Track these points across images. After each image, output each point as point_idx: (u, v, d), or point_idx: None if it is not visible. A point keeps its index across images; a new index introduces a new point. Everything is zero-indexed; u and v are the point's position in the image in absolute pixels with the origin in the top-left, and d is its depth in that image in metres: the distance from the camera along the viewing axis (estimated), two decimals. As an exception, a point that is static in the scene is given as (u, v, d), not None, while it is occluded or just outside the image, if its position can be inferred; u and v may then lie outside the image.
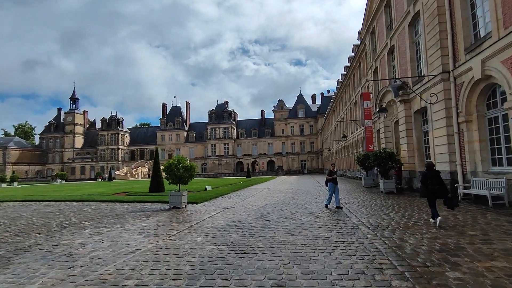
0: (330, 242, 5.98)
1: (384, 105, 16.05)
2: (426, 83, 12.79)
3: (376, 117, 19.77)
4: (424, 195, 7.21)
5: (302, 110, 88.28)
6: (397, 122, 18.02)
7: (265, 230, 7.46)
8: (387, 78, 18.61)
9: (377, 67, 21.09)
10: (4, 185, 45.01)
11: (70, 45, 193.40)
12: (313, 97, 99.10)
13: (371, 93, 22.70)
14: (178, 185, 12.79)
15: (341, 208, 10.56)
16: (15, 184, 50.55)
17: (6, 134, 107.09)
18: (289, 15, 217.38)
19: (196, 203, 13.82)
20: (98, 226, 8.80)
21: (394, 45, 17.21)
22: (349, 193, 15.83)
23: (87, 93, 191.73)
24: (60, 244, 6.68)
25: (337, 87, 49.60)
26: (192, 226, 8.37)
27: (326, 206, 10.89)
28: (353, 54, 33.39)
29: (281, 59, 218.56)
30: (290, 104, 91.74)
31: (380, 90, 18.29)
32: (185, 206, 12.70)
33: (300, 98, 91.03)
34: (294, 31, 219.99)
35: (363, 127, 24.85)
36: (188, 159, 14.32)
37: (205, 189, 22.00)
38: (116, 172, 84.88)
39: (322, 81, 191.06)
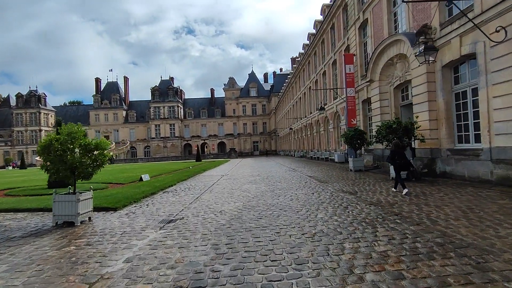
0: None
1: (395, 61, 11.57)
2: (479, 15, 8.41)
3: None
4: (396, 169, 8.30)
5: (254, 89, 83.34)
6: (398, 86, 13.87)
7: None
8: (387, 29, 14.20)
9: (366, 19, 16.63)
10: None
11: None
12: (265, 75, 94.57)
13: (354, 54, 18.34)
14: (73, 181, 6.79)
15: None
16: None
17: None
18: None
19: (114, 210, 7.99)
20: None
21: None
22: (357, 185, 11.32)
23: (9, 71, 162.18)
24: None
25: (296, 60, 45.28)
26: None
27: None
28: (321, 17, 28.87)
29: (228, 41, 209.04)
30: (241, 83, 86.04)
31: (381, 42, 13.85)
32: (89, 219, 6.83)
33: (252, 76, 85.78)
34: (243, 13, 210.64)
35: (342, 97, 20.64)
36: (97, 136, 8.20)
37: (140, 179, 15.89)
38: (37, 158, 71.69)
39: (269, 65, 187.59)
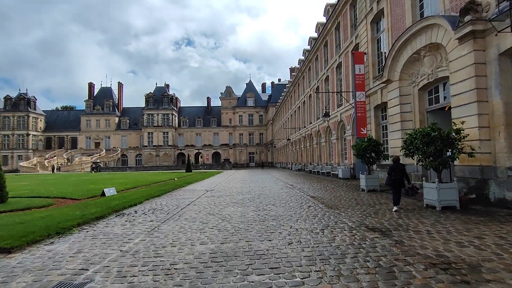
0: None
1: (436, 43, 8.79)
2: None
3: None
4: (388, 184, 8.28)
5: (251, 99, 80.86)
6: (425, 86, 11.10)
7: None
8: (410, 18, 11.54)
9: (381, 9, 14.04)
10: None
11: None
12: (263, 86, 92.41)
13: (365, 53, 15.68)
14: None
15: None
16: None
17: None
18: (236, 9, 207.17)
19: (8, 251, 4.99)
20: None
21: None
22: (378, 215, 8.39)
23: (7, 76, 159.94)
24: None
25: (295, 68, 42.88)
26: None
27: None
28: (325, 19, 26.47)
29: (226, 54, 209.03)
30: (239, 93, 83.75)
31: (403, 33, 11.12)
32: None
33: (250, 86, 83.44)
34: (240, 27, 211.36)
35: (350, 103, 17.85)
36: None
37: (103, 194, 12.83)
38: (21, 164, 68.31)
39: (267, 77, 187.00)
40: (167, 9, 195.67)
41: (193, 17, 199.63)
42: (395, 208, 7.83)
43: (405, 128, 11.70)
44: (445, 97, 10.38)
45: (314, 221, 6.84)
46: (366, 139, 12.25)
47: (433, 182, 7.71)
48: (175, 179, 24.78)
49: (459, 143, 7.60)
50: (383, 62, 14.46)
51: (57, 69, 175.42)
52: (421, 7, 11.41)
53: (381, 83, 13.19)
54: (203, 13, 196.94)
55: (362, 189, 12.50)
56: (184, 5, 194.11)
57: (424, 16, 10.91)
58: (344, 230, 5.87)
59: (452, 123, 8.36)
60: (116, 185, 18.86)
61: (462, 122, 7.72)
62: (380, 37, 15.03)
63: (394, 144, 12.45)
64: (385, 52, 14.24)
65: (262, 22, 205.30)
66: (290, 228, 6.21)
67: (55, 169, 61.22)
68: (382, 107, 14.65)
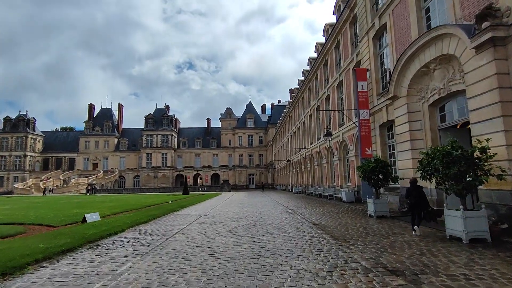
0: None
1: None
2: None
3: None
4: (407, 209, 8.35)
5: (251, 120, 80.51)
6: (436, 102, 10.19)
7: None
8: (416, 30, 10.84)
9: (383, 24, 13.44)
10: None
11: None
12: (263, 107, 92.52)
13: (368, 69, 14.95)
14: None
15: None
16: None
17: None
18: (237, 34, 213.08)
19: None
20: None
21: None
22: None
23: (12, 99, 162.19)
24: None
25: (295, 89, 42.54)
26: None
27: None
28: (324, 38, 26.18)
29: (227, 77, 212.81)
30: (238, 114, 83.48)
31: (410, 45, 10.36)
32: None
33: (250, 107, 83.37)
34: (239, 52, 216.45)
35: (354, 122, 16.93)
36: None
37: (84, 220, 11.61)
38: (15, 185, 66.86)
39: (267, 100, 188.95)
40: (170, 35, 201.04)
41: (195, 42, 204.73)
42: (416, 232, 7.51)
43: (415, 147, 10.68)
44: (459, 113, 9.44)
45: (319, 258, 5.67)
46: (373, 160, 11.19)
47: (458, 210, 6.59)
48: (170, 202, 23.49)
49: (485, 163, 6.55)
50: (388, 78, 13.71)
51: (61, 92, 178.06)
52: (428, 19, 10.73)
53: (387, 99, 12.32)
54: (204, 39, 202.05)
55: (370, 215, 11.29)
56: (187, 31, 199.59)
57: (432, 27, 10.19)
58: (358, 273, 4.69)
59: (475, 141, 7.34)
60: (104, 209, 17.65)
61: (487, 140, 6.69)
62: (383, 52, 14.36)
63: (404, 165, 11.39)
64: (389, 69, 13.52)
65: (260, 47, 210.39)
66: (290, 269, 5.04)
67: (49, 190, 59.67)
68: (388, 126, 13.71)
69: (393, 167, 12.99)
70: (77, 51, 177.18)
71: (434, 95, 10.03)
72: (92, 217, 12.18)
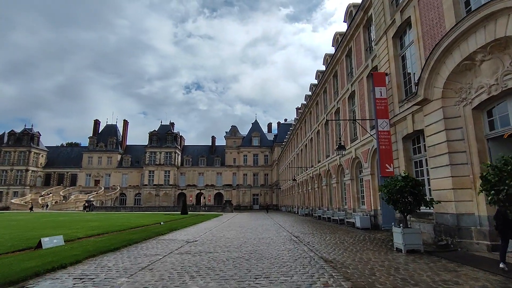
0: None
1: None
2: None
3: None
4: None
5: (257, 138, 78.65)
6: (482, 104, 7.96)
7: None
8: (453, 18, 8.81)
9: (407, 19, 11.49)
10: None
11: (14, 73, 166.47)
12: (269, 126, 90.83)
13: (386, 73, 12.89)
14: None
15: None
16: None
17: None
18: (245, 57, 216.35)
19: None
20: None
21: None
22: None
23: (24, 116, 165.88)
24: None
25: (302, 105, 40.67)
26: None
27: None
28: (333, 49, 24.46)
29: (234, 97, 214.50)
30: (244, 133, 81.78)
31: (447, 33, 8.29)
32: None
33: (255, 125, 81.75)
34: (244, 76, 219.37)
35: (371, 134, 14.66)
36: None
37: (39, 245, 9.35)
38: (12, 201, 65.22)
39: (273, 120, 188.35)
40: (180, 58, 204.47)
41: (203, 64, 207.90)
42: (502, 265, 6.04)
43: (455, 162, 8.37)
44: (517, 118, 7.19)
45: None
46: (400, 178, 8.84)
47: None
48: (161, 223, 21.14)
49: None
50: (411, 82, 11.62)
51: (72, 111, 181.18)
52: (467, 3, 8.73)
53: (414, 104, 10.11)
54: (211, 62, 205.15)
55: (396, 248, 8.83)
56: (195, 54, 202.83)
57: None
58: None
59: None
60: (83, 230, 15.48)
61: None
62: (405, 53, 12.33)
63: (439, 184, 9.03)
64: (413, 73, 11.45)
65: (263, 71, 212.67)
66: None
67: (45, 206, 57.61)
68: (414, 138, 11.43)
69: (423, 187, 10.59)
70: (89, 72, 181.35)
71: (481, 95, 7.82)
72: (52, 241, 9.96)
